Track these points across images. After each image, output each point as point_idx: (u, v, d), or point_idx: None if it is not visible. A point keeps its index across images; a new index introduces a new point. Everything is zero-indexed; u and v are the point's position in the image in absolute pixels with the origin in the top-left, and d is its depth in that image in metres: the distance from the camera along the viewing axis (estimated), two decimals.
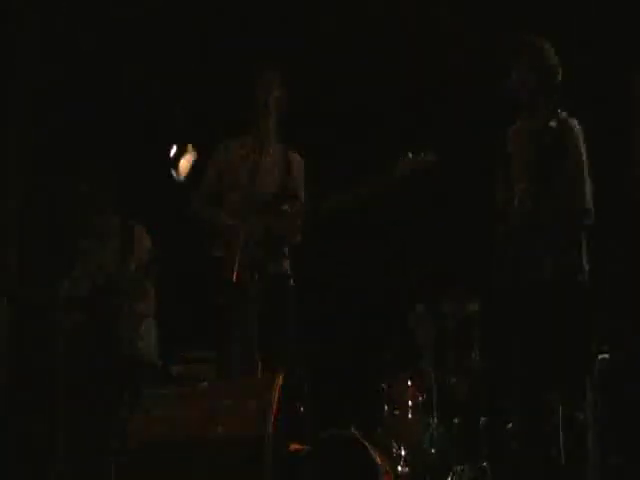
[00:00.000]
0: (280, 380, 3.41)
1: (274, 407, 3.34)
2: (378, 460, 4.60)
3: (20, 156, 5.58)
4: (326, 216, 4.35)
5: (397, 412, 4.96)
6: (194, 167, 4.79)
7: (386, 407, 5.00)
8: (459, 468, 4.79)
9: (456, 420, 4.97)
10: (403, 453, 4.81)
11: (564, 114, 4.09)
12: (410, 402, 4.95)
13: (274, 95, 4.39)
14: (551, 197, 4.03)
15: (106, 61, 5.80)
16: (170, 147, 4.88)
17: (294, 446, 4.07)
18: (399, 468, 4.75)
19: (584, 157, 4.08)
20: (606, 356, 4.96)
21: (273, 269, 4.36)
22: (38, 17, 5.72)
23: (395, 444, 4.84)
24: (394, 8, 5.83)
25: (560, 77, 4.15)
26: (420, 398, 4.99)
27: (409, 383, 5.02)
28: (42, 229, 5.54)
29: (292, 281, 4.47)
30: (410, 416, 4.93)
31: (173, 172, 4.82)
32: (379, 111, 5.98)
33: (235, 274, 3.95)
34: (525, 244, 4.02)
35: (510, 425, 4.60)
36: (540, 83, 4.14)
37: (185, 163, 4.81)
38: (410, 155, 4.31)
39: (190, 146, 4.82)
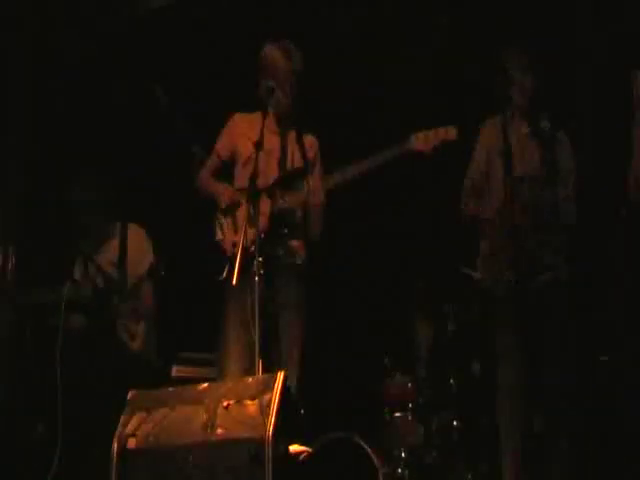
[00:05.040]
0: (281, 381, 3.41)
1: (274, 408, 3.34)
2: (378, 462, 4.61)
3: (20, 157, 5.58)
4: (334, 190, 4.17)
5: (397, 414, 4.95)
6: None
7: (386, 409, 5.00)
8: (459, 470, 4.80)
9: (456, 422, 4.96)
10: (403, 455, 4.81)
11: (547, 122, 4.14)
12: (410, 404, 4.95)
13: (295, 72, 4.28)
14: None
15: (105, 61, 5.81)
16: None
17: (294, 448, 4.06)
18: (399, 470, 4.75)
19: (573, 165, 4.13)
20: (606, 358, 4.98)
21: (280, 253, 4.25)
22: (38, 18, 5.73)
23: (395, 446, 4.84)
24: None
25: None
26: (420, 400, 4.98)
27: (409, 385, 5.02)
28: (42, 230, 5.54)
29: (303, 263, 4.32)
30: (410, 418, 4.92)
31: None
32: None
33: (236, 276, 3.89)
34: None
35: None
36: (536, 85, 4.18)
37: None
38: (425, 131, 4.09)
39: None
